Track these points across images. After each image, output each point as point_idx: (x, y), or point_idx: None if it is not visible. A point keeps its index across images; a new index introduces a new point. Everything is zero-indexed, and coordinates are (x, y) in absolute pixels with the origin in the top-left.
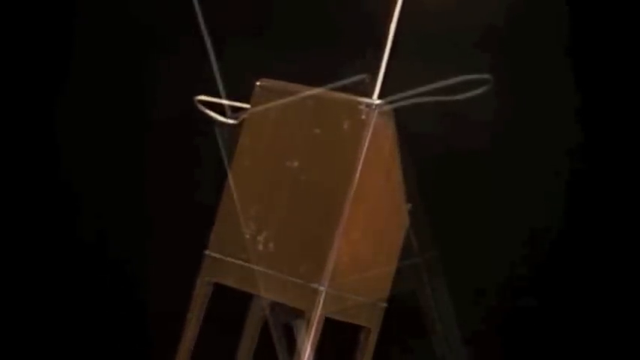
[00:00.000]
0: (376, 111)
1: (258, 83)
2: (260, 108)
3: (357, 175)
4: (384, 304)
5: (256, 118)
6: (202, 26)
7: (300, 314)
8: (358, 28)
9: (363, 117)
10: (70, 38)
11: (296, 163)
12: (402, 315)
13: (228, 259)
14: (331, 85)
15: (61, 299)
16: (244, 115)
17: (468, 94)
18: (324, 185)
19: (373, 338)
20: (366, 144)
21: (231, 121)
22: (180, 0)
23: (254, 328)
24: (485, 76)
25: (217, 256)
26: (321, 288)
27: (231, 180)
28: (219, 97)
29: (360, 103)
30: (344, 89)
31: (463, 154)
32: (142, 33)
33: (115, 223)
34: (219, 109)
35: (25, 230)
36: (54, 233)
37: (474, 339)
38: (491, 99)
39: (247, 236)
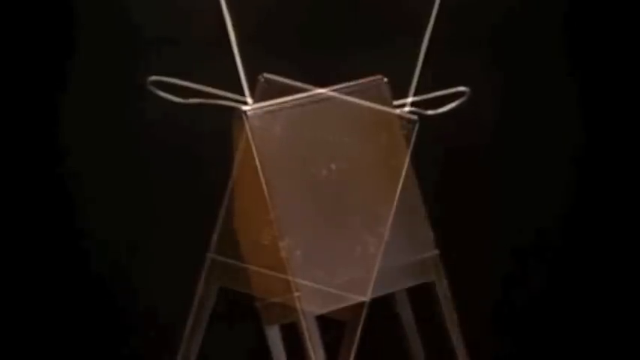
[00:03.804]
0: (417, 125)
1: (261, 77)
2: (268, 104)
3: (400, 187)
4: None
5: (262, 114)
6: (229, 25)
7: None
8: (359, 28)
9: (405, 132)
10: (69, 37)
11: (324, 171)
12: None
13: (235, 262)
14: (346, 85)
15: (60, 302)
16: (247, 109)
17: (444, 109)
18: (361, 196)
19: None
20: (408, 158)
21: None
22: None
23: (203, 317)
24: (462, 88)
25: (222, 259)
26: (364, 299)
27: (261, 180)
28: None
29: (400, 117)
30: (359, 90)
31: (463, 153)
32: (142, 32)
33: (116, 223)
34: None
35: (23, 231)
36: (53, 234)
37: (475, 338)
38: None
39: (265, 242)
